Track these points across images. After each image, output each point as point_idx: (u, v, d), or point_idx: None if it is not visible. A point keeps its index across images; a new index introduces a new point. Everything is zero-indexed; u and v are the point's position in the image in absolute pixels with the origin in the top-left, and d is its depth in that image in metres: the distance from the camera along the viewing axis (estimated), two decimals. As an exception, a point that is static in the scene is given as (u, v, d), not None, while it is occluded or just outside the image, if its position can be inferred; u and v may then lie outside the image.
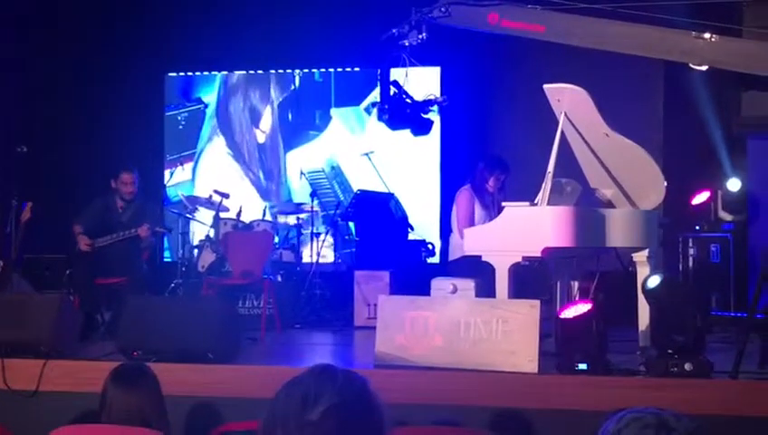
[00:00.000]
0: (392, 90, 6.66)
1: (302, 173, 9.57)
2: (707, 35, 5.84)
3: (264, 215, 8.89)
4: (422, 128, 6.81)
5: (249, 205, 9.11)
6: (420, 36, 6.40)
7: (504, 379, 4.71)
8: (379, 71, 6.83)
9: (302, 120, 10.08)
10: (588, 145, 5.77)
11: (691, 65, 6.00)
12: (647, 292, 5.10)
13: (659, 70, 8.20)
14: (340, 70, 9.79)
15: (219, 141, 10.18)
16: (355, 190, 8.63)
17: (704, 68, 5.99)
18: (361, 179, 9.18)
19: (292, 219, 8.92)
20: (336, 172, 9.87)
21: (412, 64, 6.60)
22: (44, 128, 9.41)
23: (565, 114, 5.62)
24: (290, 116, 10.14)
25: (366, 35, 7.31)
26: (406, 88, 6.56)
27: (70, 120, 9.59)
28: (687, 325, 4.69)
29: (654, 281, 5.01)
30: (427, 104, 6.65)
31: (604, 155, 5.78)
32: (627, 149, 5.65)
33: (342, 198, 9.33)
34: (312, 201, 8.78)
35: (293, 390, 1.56)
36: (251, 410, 4.06)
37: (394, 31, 6.40)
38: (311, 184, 9.69)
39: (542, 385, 4.68)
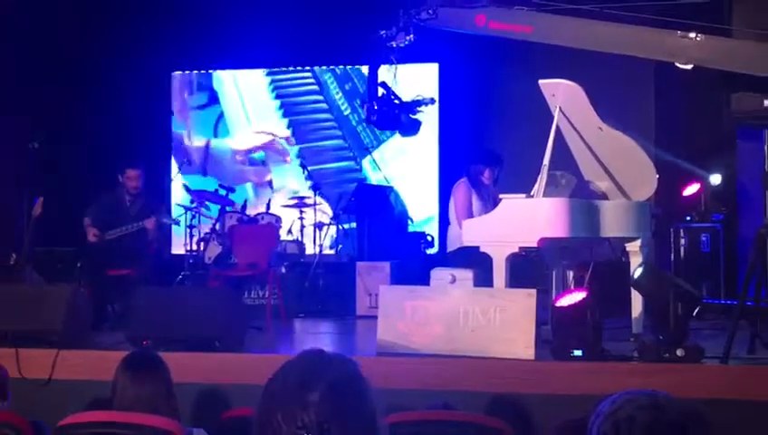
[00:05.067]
0: (380, 91, 6.63)
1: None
2: (693, 35, 5.82)
3: (269, 208, 8.89)
4: (410, 129, 6.81)
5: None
6: (408, 38, 6.37)
7: (502, 365, 4.72)
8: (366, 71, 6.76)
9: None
10: (582, 138, 5.77)
11: (677, 64, 5.98)
12: (632, 282, 5.11)
13: (650, 64, 8.19)
14: (332, 68, 9.81)
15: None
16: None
17: (689, 67, 5.97)
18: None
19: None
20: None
21: (406, 62, 6.56)
22: (55, 124, 9.38)
23: (560, 109, 5.61)
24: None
25: (357, 33, 7.28)
26: (397, 87, 6.54)
27: (79, 116, 9.58)
28: (669, 313, 4.70)
29: (638, 272, 5.02)
30: (414, 105, 6.63)
31: (598, 148, 5.77)
32: (620, 141, 5.64)
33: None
34: (315, 194, 8.77)
35: (289, 373, 1.56)
36: (257, 396, 4.07)
37: (382, 33, 6.37)
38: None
39: (538, 371, 4.69)
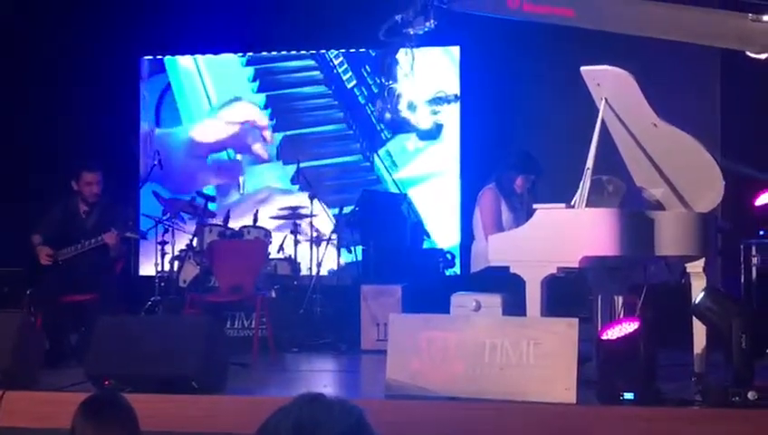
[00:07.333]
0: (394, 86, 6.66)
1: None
2: (767, 18, 5.81)
3: (256, 220, 8.92)
4: (429, 131, 6.84)
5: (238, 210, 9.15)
6: (428, 24, 6.41)
7: (537, 411, 4.72)
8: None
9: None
10: (633, 137, 5.77)
11: (748, 53, 5.97)
12: (694, 310, 5.10)
13: (715, 53, 8.19)
14: (335, 53, 9.86)
15: None
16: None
17: (762, 57, 5.96)
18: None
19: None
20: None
21: (422, 45, 6.61)
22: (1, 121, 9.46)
23: (606, 101, 5.62)
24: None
25: (362, 14, 7.32)
26: (414, 77, 6.56)
27: (31, 111, 9.64)
28: (738, 347, 4.70)
29: (700, 297, 5.02)
30: (434, 103, 6.66)
31: (652, 148, 5.78)
32: (678, 141, 5.64)
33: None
34: (312, 203, 8.78)
35: (281, 423, 1.56)
36: (242, 447, 4.08)
37: (397, 18, 6.40)
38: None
39: (581, 418, 4.69)
